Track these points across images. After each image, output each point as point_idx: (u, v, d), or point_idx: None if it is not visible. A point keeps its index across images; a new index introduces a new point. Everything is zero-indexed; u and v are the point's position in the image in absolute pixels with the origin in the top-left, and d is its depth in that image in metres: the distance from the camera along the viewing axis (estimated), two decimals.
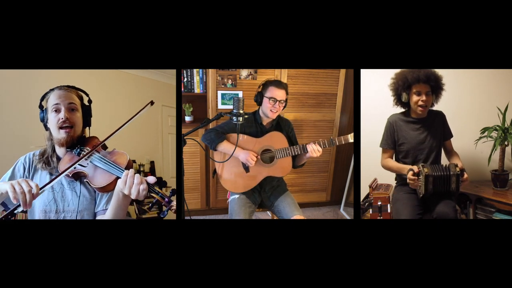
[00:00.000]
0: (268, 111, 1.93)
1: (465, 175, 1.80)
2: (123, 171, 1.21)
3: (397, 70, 1.91)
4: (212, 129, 2.01)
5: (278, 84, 1.94)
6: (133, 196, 1.15)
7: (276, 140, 1.96)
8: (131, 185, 1.15)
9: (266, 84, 1.97)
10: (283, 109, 2.00)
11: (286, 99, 1.98)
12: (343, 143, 1.88)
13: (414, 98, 1.87)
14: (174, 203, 1.17)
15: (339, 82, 3.12)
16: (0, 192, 1.22)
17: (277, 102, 1.91)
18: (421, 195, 1.82)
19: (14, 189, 1.11)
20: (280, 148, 1.94)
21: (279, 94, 1.92)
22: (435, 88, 1.85)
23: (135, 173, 1.18)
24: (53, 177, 1.27)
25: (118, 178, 1.22)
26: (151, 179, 1.17)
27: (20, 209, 1.14)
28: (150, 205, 1.18)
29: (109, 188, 1.26)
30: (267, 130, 2.00)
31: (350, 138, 1.86)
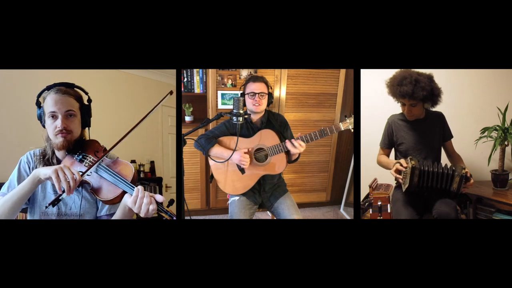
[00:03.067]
0: (252, 106, 1.95)
1: (471, 181, 1.80)
2: (130, 186, 1.20)
3: (397, 70, 1.91)
4: (202, 135, 2.00)
5: (254, 79, 1.98)
6: (142, 215, 1.14)
7: (267, 138, 1.95)
8: (141, 205, 1.14)
9: (245, 83, 2.01)
10: (269, 104, 2.01)
11: (270, 93, 1.99)
12: (335, 132, 1.85)
13: (401, 107, 1.95)
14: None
15: (339, 82, 3.13)
16: (38, 179, 1.22)
17: (256, 95, 1.93)
18: (405, 187, 1.82)
19: (58, 176, 1.16)
20: (272, 145, 1.93)
21: (257, 87, 1.94)
22: (425, 98, 1.83)
23: (144, 189, 1.17)
24: (86, 169, 1.26)
25: (124, 191, 1.21)
26: (160, 198, 1.16)
27: (64, 195, 1.18)
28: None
29: (115, 201, 1.24)
30: (258, 128, 1.99)
31: (342, 126, 1.82)
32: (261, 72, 2.93)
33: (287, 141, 1.85)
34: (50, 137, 1.36)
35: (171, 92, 1.39)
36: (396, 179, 2.02)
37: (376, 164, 2.09)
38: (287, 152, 1.99)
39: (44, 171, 1.20)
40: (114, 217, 1.28)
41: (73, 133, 1.35)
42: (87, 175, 1.27)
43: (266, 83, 1.99)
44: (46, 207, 1.23)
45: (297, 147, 1.83)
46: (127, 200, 1.18)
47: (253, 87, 1.95)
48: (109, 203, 1.28)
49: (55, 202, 1.19)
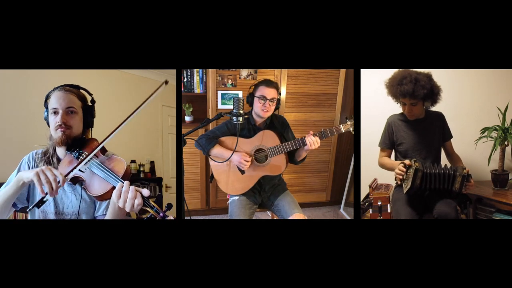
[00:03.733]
0: (260, 111, 1.92)
1: (472, 181, 1.80)
2: (120, 181, 1.19)
3: (395, 71, 1.91)
4: (203, 135, 1.99)
5: (268, 83, 1.94)
6: (127, 210, 1.13)
7: (267, 139, 1.95)
8: (125, 199, 1.13)
9: (257, 85, 1.98)
10: (276, 109, 1.99)
11: (279, 99, 1.97)
12: (336, 134, 1.85)
13: (402, 107, 1.95)
14: (170, 217, 1.14)
15: (339, 82, 3.13)
16: (21, 182, 1.22)
17: (267, 101, 1.90)
18: (406, 189, 1.82)
19: (40, 178, 1.14)
20: (272, 146, 1.93)
21: (269, 92, 1.91)
22: (426, 96, 1.84)
23: (130, 184, 1.15)
24: (72, 167, 1.26)
25: (114, 187, 1.20)
26: (146, 192, 1.14)
27: (47, 197, 1.17)
28: (145, 219, 1.16)
29: (106, 197, 1.24)
30: (260, 130, 1.99)
31: (343, 128, 1.82)
32: (261, 72, 2.93)
33: (306, 137, 1.82)
34: (52, 133, 1.37)
35: (166, 82, 1.33)
36: (396, 179, 2.02)
37: (375, 164, 2.09)
38: (292, 153, 1.99)
39: (27, 175, 1.19)
40: (107, 215, 1.27)
41: (73, 129, 1.36)
42: (81, 171, 1.27)
43: (277, 89, 1.96)
44: (30, 209, 1.22)
45: (314, 142, 1.81)
46: (113, 196, 1.16)
47: (266, 91, 1.91)
48: (100, 199, 1.27)
49: (39, 204, 1.18)
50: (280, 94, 1.98)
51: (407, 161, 1.82)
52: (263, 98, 1.90)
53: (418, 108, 1.89)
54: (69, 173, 1.24)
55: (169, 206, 1.16)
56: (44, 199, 1.18)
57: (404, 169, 1.81)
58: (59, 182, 1.17)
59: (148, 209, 1.14)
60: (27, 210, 1.28)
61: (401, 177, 1.82)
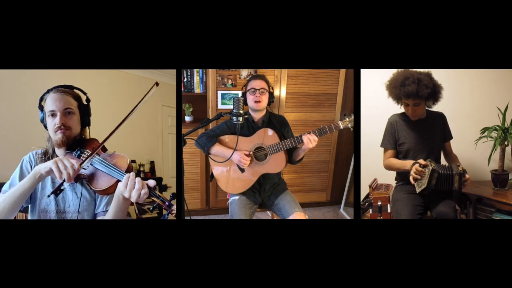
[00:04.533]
0: (252, 103, 1.97)
1: (467, 176, 1.80)
2: (124, 174, 1.23)
3: (394, 72, 1.91)
4: (204, 134, 2.02)
5: (255, 77, 2.03)
6: (133, 200, 1.18)
7: (266, 137, 1.96)
8: (132, 188, 1.18)
9: (246, 82, 2.05)
10: (270, 103, 2.02)
11: (272, 93, 2.01)
12: (334, 130, 1.84)
13: (404, 107, 1.95)
14: (174, 207, 1.20)
15: (339, 82, 3.12)
16: (39, 174, 1.25)
17: (257, 91, 1.96)
18: (421, 189, 1.81)
19: (58, 166, 1.21)
20: (271, 144, 1.93)
21: (257, 83, 1.97)
22: (429, 96, 1.84)
23: (136, 176, 1.20)
24: (83, 162, 1.30)
25: (118, 181, 1.24)
26: (152, 182, 1.20)
27: (65, 184, 1.25)
28: (151, 208, 1.23)
29: (110, 191, 1.28)
30: (259, 128, 2.00)
31: (342, 124, 1.81)
32: (261, 72, 2.93)
33: (304, 135, 1.82)
34: (50, 135, 1.39)
35: (156, 84, 1.43)
36: (397, 179, 2.01)
37: (376, 164, 2.09)
38: (290, 152, 1.99)
39: (45, 165, 1.24)
40: (110, 208, 1.31)
41: (72, 130, 1.38)
42: (84, 168, 1.31)
43: (266, 81, 2.01)
44: (49, 195, 1.29)
45: (312, 141, 1.81)
46: (120, 186, 1.21)
47: (254, 83, 1.98)
48: (104, 193, 1.31)
49: (57, 191, 1.25)
50: (271, 88, 2.03)
51: (421, 161, 1.81)
52: (253, 89, 1.96)
53: (421, 108, 1.89)
54: (82, 162, 1.29)
55: (174, 196, 1.22)
56: (62, 187, 1.25)
57: (423, 169, 1.79)
58: (75, 169, 1.23)
59: (154, 198, 1.20)
60: (47, 196, 1.34)
61: (419, 177, 1.80)
